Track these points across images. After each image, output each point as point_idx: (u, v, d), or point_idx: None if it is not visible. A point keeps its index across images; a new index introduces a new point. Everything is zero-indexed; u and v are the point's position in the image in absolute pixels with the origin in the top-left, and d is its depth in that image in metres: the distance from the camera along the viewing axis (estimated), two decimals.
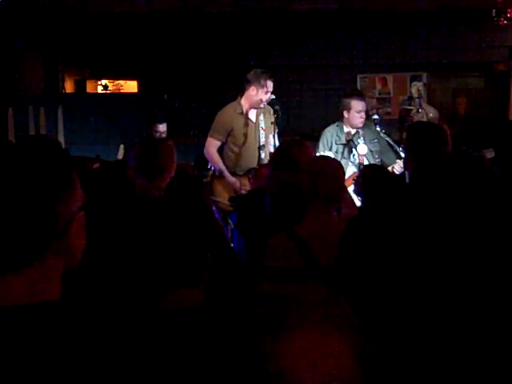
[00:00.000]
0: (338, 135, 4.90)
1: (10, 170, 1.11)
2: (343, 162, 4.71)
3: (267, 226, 2.78)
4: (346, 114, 4.86)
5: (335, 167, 2.87)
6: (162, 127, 6.01)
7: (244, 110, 4.90)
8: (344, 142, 4.84)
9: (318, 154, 4.95)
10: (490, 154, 4.35)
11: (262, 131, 4.80)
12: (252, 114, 4.96)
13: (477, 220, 1.73)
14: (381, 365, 1.70)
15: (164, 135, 6.04)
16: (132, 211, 2.59)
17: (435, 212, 1.74)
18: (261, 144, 4.77)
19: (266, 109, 4.87)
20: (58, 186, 1.14)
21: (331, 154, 4.90)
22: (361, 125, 4.83)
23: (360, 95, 5.13)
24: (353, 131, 4.86)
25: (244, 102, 4.90)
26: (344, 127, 4.89)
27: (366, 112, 5.00)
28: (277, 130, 5.07)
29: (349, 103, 4.84)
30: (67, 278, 1.18)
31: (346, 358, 1.50)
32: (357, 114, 4.80)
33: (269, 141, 4.87)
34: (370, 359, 1.56)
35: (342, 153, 4.82)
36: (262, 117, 4.81)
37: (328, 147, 4.93)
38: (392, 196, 3.14)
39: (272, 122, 4.79)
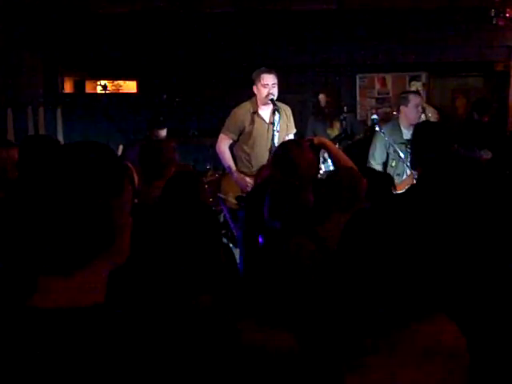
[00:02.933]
0: (395, 134, 4.89)
1: (68, 175, 1.10)
2: (400, 164, 4.69)
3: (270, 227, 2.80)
4: (403, 108, 4.97)
5: (356, 178, 2.92)
6: (162, 132, 6.00)
7: (257, 109, 4.92)
8: (403, 140, 4.82)
9: (373, 154, 4.93)
10: (486, 154, 4.36)
11: (276, 132, 4.75)
12: (266, 114, 4.95)
13: (481, 220, 1.73)
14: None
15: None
16: (135, 213, 2.58)
17: (441, 212, 1.74)
18: (272, 145, 4.73)
19: (281, 109, 4.84)
20: (114, 191, 1.14)
21: (389, 155, 4.85)
22: (417, 120, 4.85)
23: (417, 92, 5.42)
24: (410, 131, 4.84)
25: (257, 101, 4.93)
26: (401, 126, 4.89)
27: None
28: (294, 131, 5.08)
29: (407, 97, 5.00)
30: (111, 280, 1.19)
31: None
32: (414, 109, 4.91)
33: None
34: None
35: (398, 153, 4.72)
36: (277, 117, 4.77)
37: (386, 147, 4.89)
38: (392, 195, 3.15)
39: (273, 124, 4.79)
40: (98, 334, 1.06)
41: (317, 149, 3.55)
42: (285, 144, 3.76)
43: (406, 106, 4.92)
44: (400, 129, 4.89)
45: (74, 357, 1.03)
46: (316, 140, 3.63)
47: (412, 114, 4.89)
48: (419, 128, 3.45)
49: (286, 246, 2.55)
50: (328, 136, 5.86)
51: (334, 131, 6.29)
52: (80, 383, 1.02)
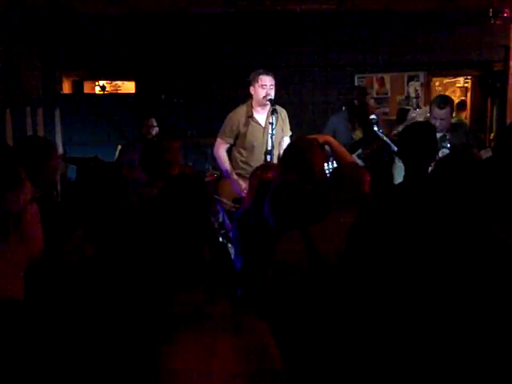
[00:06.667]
0: None
1: None
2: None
3: (268, 227, 2.79)
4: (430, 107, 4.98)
5: (360, 174, 2.89)
6: (151, 122, 6.22)
7: (252, 113, 4.93)
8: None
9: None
10: (486, 153, 4.37)
11: (270, 135, 4.75)
12: (261, 118, 4.97)
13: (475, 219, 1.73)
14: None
15: (154, 130, 6.23)
16: (129, 210, 2.59)
17: (436, 209, 1.74)
18: (268, 148, 4.73)
19: (278, 111, 4.82)
20: (6, 181, 1.25)
21: None
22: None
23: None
24: (439, 133, 4.76)
25: (252, 103, 4.94)
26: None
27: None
28: (290, 133, 5.06)
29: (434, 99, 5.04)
30: (30, 274, 1.23)
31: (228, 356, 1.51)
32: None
33: (281, 145, 4.84)
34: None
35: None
36: (274, 119, 4.76)
37: None
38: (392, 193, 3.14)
39: (271, 124, 4.78)
40: (11, 329, 1.08)
41: (321, 148, 3.48)
42: (296, 142, 3.48)
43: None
44: None
45: None
46: (321, 139, 3.57)
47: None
48: (405, 130, 3.47)
49: (279, 241, 2.52)
50: (353, 139, 5.64)
51: (357, 134, 6.03)
52: None
